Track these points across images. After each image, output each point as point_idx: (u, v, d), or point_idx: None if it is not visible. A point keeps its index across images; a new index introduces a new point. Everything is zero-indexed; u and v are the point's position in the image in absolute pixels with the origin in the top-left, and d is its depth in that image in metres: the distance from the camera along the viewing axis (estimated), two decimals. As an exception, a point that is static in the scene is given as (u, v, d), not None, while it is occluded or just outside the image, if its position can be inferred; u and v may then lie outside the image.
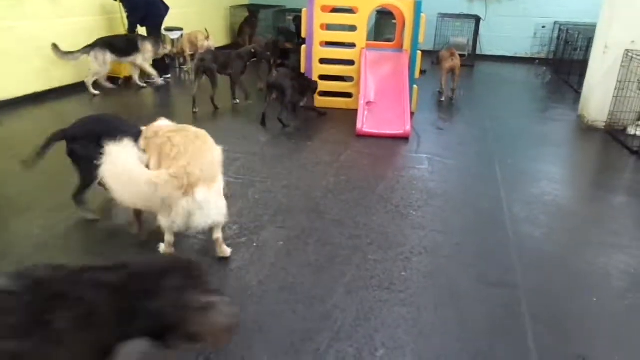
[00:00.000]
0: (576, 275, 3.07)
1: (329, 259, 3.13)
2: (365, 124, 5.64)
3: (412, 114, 6.01)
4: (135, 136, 2.89)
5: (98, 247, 3.18)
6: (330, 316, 2.58)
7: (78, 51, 6.66)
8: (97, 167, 3.35)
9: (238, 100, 6.73)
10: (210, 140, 2.81)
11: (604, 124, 5.97)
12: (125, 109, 6.63)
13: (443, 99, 7.42)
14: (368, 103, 5.92)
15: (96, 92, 6.88)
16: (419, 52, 6.25)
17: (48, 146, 3.29)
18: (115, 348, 1.55)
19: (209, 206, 2.52)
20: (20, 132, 5.29)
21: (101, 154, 3.33)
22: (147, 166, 2.70)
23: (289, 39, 8.12)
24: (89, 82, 6.86)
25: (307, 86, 6.16)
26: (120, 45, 7.03)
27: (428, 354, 2.36)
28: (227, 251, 3.04)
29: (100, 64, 6.85)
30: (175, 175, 2.41)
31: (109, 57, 6.89)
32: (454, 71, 7.27)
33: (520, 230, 3.54)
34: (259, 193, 3.99)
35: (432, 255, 3.20)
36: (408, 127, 5.52)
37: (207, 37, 8.09)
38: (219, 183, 2.71)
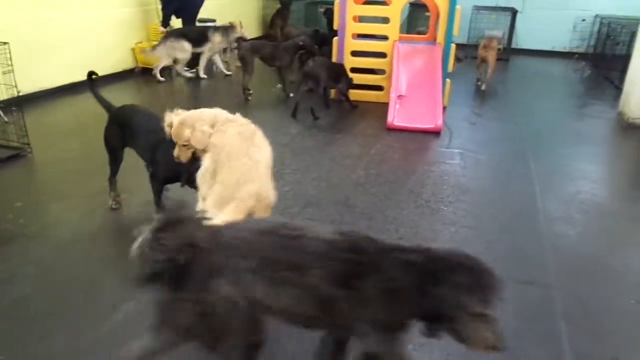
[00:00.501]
0: (613, 276, 2.98)
1: (357, 252, 3.12)
2: (396, 117, 5.59)
3: (444, 108, 5.93)
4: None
5: (128, 235, 3.23)
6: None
7: (157, 45, 7.12)
8: (121, 155, 3.41)
9: (280, 85, 6.86)
10: (269, 157, 2.81)
11: (646, 121, 5.76)
12: (161, 98, 6.74)
13: (479, 83, 7.55)
14: (399, 96, 5.86)
15: (162, 78, 7.22)
16: (453, 45, 6.15)
17: (97, 94, 3.65)
18: (405, 325, 1.73)
19: None
20: (59, 122, 5.44)
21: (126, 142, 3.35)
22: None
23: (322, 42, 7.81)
24: (157, 68, 7.20)
25: (342, 73, 6.15)
26: (192, 36, 7.27)
27: (457, 350, 2.33)
28: None
29: (180, 51, 7.17)
30: (238, 210, 2.45)
31: (186, 44, 7.18)
32: (485, 61, 7.20)
33: (554, 229, 3.45)
34: (288, 185, 4.00)
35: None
36: (440, 122, 5.44)
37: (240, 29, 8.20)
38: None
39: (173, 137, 2.74)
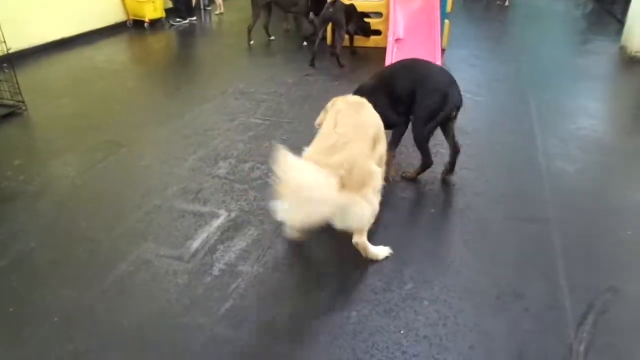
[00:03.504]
0: (611, 209, 3.00)
1: (357, 196, 3.14)
2: (393, 61, 5.47)
3: (442, 50, 5.80)
4: None
5: (129, 188, 3.26)
6: (357, 258, 2.57)
7: None
8: None
9: (273, 37, 6.78)
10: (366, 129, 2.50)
11: (648, 55, 5.66)
12: (156, 50, 6.62)
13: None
14: (397, 40, 5.73)
15: None
16: None
17: None
18: None
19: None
20: (53, 78, 5.36)
21: None
22: None
23: None
24: None
25: (353, 15, 5.97)
26: None
27: (456, 287, 2.38)
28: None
29: None
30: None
31: None
32: None
33: (553, 166, 3.45)
34: (286, 134, 3.98)
35: (461, 193, 3.17)
36: (439, 63, 5.34)
37: None
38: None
39: None
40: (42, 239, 2.74)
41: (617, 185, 3.28)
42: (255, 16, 6.52)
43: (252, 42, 6.58)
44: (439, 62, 5.32)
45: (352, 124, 2.45)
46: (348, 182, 2.20)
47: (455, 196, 3.13)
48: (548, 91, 4.89)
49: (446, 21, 6.02)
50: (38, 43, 6.03)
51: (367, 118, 2.56)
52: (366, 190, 2.28)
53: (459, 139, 3.34)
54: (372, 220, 2.41)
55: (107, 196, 3.16)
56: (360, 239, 2.47)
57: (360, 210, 2.25)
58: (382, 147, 2.62)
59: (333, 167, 2.19)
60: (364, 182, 2.27)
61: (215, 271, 2.48)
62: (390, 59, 5.49)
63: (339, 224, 2.31)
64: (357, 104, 2.65)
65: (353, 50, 6.16)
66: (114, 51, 6.43)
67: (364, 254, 2.52)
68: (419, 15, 5.95)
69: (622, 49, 6.07)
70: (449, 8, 6.05)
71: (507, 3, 7.33)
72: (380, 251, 2.56)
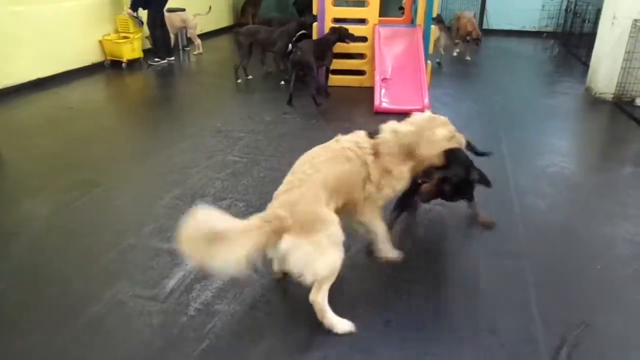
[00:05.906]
0: (580, 244, 3.08)
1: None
2: (383, 100, 5.60)
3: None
4: None
5: (104, 227, 3.22)
6: (334, 298, 2.54)
7: None
8: None
9: (251, 76, 6.95)
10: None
11: (612, 95, 5.90)
12: (133, 90, 6.65)
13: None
14: (384, 80, 5.87)
15: None
16: (433, 27, 6.20)
17: None
18: None
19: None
20: (28, 118, 5.33)
21: None
22: None
23: None
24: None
25: (326, 49, 6.10)
26: None
27: (432, 323, 2.39)
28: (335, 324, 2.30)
29: None
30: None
31: None
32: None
33: (525, 202, 3.54)
34: (264, 171, 4.01)
35: (435, 229, 3.21)
36: (426, 101, 5.50)
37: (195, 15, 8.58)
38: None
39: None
40: (13, 280, 2.68)
41: (586, 220, 3.37)
42: (242, 55, 6.72)
43: (239, 81, 6.71)
44: (426, 100, 5.48)
45: (303, 170, 2.48)
46: (292, 225, 2.12)
47: (430, 233, 3.17)
48: (519, 130, 5.05)
49: (428, 62, 6.22)
50: (13, 83, 6.03)
51: (324, 166, 2.47)
52: (317, 238, 2.13)
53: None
54: (328, 275, 2.21)
55: (81, 236, 3.11)
56: (317, 298, 2.23)
57: (303, 255, 2.09)
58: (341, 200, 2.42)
59: (268, 214, 2.19)
60: (311, 226, 2.14)
61: (191, 311, 2.45)
62: (378, 98, 5.62)
63: (282, 267, 2.25)
64: (329, 151, 2.64)
65: (326, 91, 6.16)
66: (91, 91, 6.45)
67: (319, 318, 2.27)
68: (404, 56, 6.15)
69: (588, 90, 6.34)
70: (430, 50, 6.28)
71: (465, 55, 7.59)
72: (339, 324, 2.28)
